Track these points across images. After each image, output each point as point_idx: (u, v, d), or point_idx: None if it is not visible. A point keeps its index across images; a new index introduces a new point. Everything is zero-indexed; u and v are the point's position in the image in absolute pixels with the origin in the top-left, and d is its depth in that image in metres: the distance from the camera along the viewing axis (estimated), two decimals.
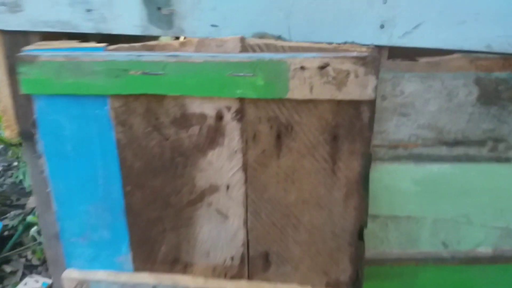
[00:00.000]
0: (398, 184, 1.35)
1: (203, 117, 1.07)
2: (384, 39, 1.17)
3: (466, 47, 1.20)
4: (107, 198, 1.17)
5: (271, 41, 1.03)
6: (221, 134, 1.09)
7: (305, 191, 1.14)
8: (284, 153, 1.10)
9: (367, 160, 1.09)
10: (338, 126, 1.06)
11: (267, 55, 1.00)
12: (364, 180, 1.12)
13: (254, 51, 1.04)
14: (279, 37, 1.11)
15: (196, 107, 1.06)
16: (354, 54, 1.00)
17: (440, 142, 1.31)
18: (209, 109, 1.07)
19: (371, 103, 1.03)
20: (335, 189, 1.14)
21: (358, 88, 1.00)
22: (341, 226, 1.18)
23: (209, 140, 1.09)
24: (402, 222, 1.40)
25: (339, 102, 1.04)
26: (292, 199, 1.15)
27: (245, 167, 1.12)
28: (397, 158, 1.32)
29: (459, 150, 1.33)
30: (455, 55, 1.23)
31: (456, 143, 1.32)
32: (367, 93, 1.00)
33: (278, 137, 1.09)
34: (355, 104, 1.04)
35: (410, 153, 1.32)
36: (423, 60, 1.25)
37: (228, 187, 1.15)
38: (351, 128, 1.06)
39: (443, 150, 1.32)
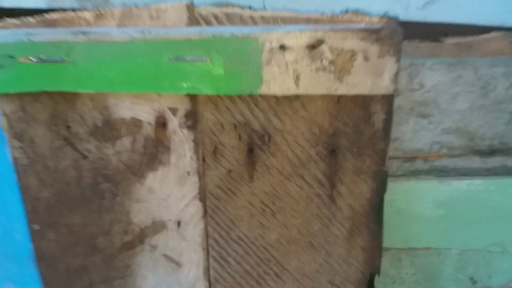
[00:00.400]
0: (415, 207, 1.01)
1: (136, 124, 0.72)
2: (399, 11, 0.83)
3: (508, 23, 0.87)
4: (7, 242, 0.81)
5: (235, 10, 0.68)
6: (165, 148, 0.74)
7: (291, 227, 0.80)
8: (260, 174, 0.75)
9: (381, 182, 0.75)
10: (338, 135, 0.72)
11: (227, 29, 0.66)
12: (376, 210, 0.78)
13: (208, 23, 0.69)
14: (248, 8, 0.76)
15: (125, 110, 0.71)
16: (362, 26, 0.66)
17: (471, 152, 0.98)
18: (144, 112, 0.71)
19: (388, 100, 0.68)
20: (335, 223, 0.79)
21: (369, 77, 0.65)
22: (343, 275, 0.84)
23: (148, 157, 0.74)
24: (420, 256, 1.07)
25: (339, 99, 0.70)
26: (272, 238, 0.81)
27: (203, 195, 0.77)
28: (414, 174, 0.98)
29: (496, 161, 1.00)
30: (492, 34, 0.89)
31: (492, 152, 0.98)
32: (383, 85, 0.65)
33: (250, 151, 0.74)
34: (364, 102, 0.70)
35: (431, 167, 0.98)
36: (450, 41, 0.91)
37: (179, 223, 0.80)
38: (358, 137, 0.72)
39: (475, 162, 0.99)
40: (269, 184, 0.77)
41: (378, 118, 0.71)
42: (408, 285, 1.12)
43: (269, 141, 0.73)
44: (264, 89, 0.66)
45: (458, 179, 1.00)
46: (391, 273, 1.09)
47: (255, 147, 0.74)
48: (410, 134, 0.93)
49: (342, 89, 0.66)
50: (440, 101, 0.92)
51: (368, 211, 0.78)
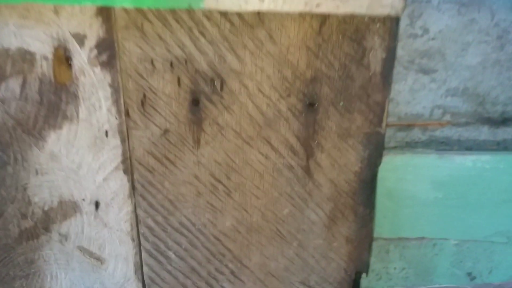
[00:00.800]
0: (409, 188, 0.82)
1: (26, 59, 0.49)
2: None
3: None
4: None
5: None
6: (70, 96, 0.51)
7: (252, 211, 0.59)
8: (209, 136, 0.54)
9: (375, 150, 0.54)
10: (319, 81, 0.51)
11: None
12: (366, 188, 0.57)
13: None
14: None
15: (7, 37, 0.48)
16: None
17: (479, 120, 0.78)
18: (37, 41, 0.49)
19: (391, 29, 0.48)
20: (311, 205, 0.59)
21: None
22: (320, 273, 0.64)
23: (47, 109, 0.52)
24: (411, 247, 0.88)
25: (322, 27, 0.48)
26: (227, 225, 0.59)
27: (128, 166, 0.56)
28: (410, 146, 0.79)
29: (507, 133, 0.81)
30: None
31: (503, 120, 0.79)
32: (386, 0, 0.44)
33: (195, 103, 0.52)
34: (357, 32, 0.48)
35: (431, 137, 0.78)
36: None
37: (97, 204, 0.58)
38: (346, 85, 0.51)
39: (483, 133, 0.79)
40: (222, 151, 0.55)
41: (376, 57, 0.50)
42: (396, 282, 0.93)
43: (221, 88, 0.52)
44: (208, 2, 0.44)
45: (462, 154, 0.81)
46: (376, 268, 0.90)
47: (201, 97, 0.52)
48: (408, 94, 0.73)
49: (327, 5, 0.44)
50: (447, 53, 0.72)
51: (356, 189, 0.57)
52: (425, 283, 0.94)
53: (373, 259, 0.89)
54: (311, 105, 0.52)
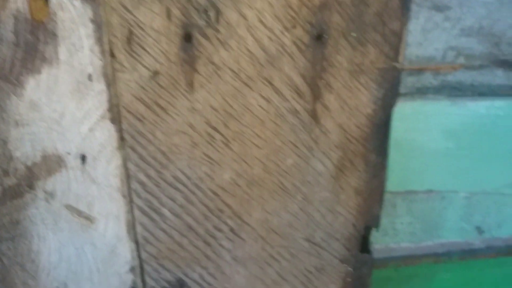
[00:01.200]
0: (418, 138, 0.77)
1: None
2: None
3: None
4: None
5: None
6: (48, 35, 0.45)
7: (252, 162, 0.53)
8: (204, 78, 0.48)
9: (391, 88, 0.48)
10: (329, 8, 0.44)
11: None
12: (379, 133, 0.52)
13: None
14: None
15: None
16: None
17: (494, 62, 0.72)
18: None
19: None
20: (317, 154, 0.53)
21: None
22: (326, 229, 0.59)
23: (23, 51, 0.46)
24: (419, 201, 0.84)
25: None
26: (225, 178, 0.54)
27: (115, 114, 0.50)
28: (420, 92, 0.73)
29: None
30: None
31: None
32: None
33: (187, 39, 0.46)
34: None
35: (443, 83, 0.72)
36: None
37: (83, 158, 0.52)
38: (359, 12, 0.44)
39: (498, 76, 0.74)
40: (219, 95, 0.49)
41: None
42: (402, 238, 0.89)
43: (217, 20, 0.45)
44: None
45: (475, 100, 0.76)
46: (383, 224, 0.86)
47: (194, 31, 0.46)
48: (420, 35, 0.67)
49: None
50: None
51: (368, 134, 0.52)
52: (433, 238, 0.91)
53: None
54: (319, 38, 0.46)
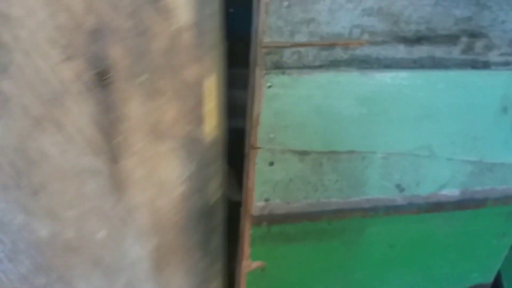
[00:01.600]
0: (336, 104, 0.91)
1: None
2: None
3: None
4: None
5: None
6: None
7: (63, 220, 0.49)
8: None
9: (207, 164, 0.45)
10: (105, 32, 0.37)
11: None
12: (204, 221, 0.43)
13: None
14: None
15: None
16: None
17: (395, 38, 0.88)
18: None
19: None
20: (130, 233, 0.45)
21: None
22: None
23: None
24: (343, 160, 0.99)
25: None
26: (42, 233, 0.50)
27: None
28: (334, 64, 0.87)
29: (422, 51, 0.91)
30: None
31: (417, 39, 0.89)
32: None
33: None
34: None
35: (352, 56, 0.87)
36: None
37: None
38: (144, 41, 0.39)
39: (400, 51, 0.89)
40: (14, 134, 0.42)
41: None
42: (332, 193, 1.04)
43: None
44: None
45: (381, 71, 0.90)
46: (312, 180, 1.00)
47: None
48: (327, 14, 0.82)
49: None
50: None
51: (185, 222, 0.41)
52: (359, 194, 1.05)
53: (308, 172, 0.99)
54: (102, 76, 0.36)
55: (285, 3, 0.80)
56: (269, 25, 0.81)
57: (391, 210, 1.11)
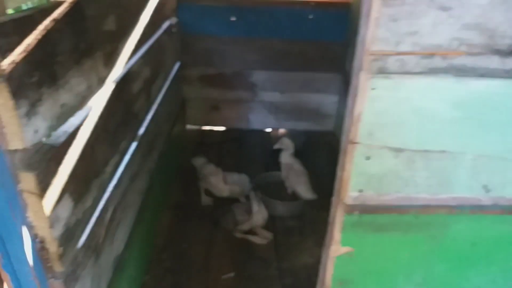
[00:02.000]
0: (432, 107, 1.03)
1: None
2: None
3: None
4: None
5: None
6: None
7: None
8: None
9: None
10: None
11: None
12: None
13: None
14: None
15: None
16: None
17: (490, 51, 0.98)
18: None
19: None
20: None
21: None
22: None
23: None
24: (434, 159, 1.10)
25: None
26: None
27: None
28: (432, 71, 0.99)
29: None
30: None
31: (511, 52, 0.98)
32: None
33: None
34: None
35: (450, 64, 0.99)
36: None
37: None
38: None
39: (494, 62, 0.99)
40: None
41: None
42: (421, 189, 1.14)
43: None
44: None
45: (476, 79, 1.01)
46: (405, 176, 1.11)
47: None
48: (430, 28, 0.93)
49: None
50: None
51: None
52: (447, 192, 1.15)
53: (402, 167, 1.11)
54: None
55: (393, 18, 0.93)
56: (377, 36, 0.95)
57: (476, 209, 1.19)
